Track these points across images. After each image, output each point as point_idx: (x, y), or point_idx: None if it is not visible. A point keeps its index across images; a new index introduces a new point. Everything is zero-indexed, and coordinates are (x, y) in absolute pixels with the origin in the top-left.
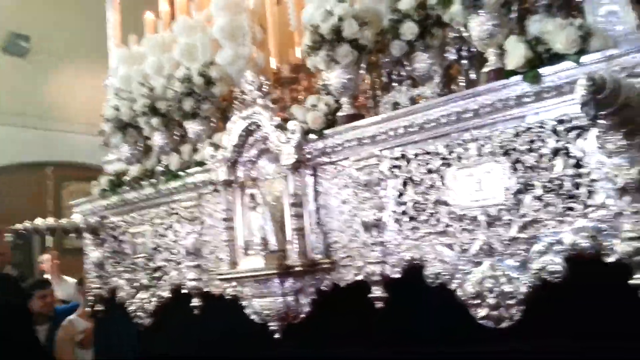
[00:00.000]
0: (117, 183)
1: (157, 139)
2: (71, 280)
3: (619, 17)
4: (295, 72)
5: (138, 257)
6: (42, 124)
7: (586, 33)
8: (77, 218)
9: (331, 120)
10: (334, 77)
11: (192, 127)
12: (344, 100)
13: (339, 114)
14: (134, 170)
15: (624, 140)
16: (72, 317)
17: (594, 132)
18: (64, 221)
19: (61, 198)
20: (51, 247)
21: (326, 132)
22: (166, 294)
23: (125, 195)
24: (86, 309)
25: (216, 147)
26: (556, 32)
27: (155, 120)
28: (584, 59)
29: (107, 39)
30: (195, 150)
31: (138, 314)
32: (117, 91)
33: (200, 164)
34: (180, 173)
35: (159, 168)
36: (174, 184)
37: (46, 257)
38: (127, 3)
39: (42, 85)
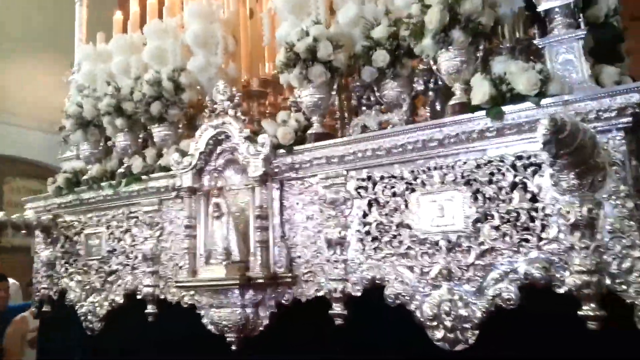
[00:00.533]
0: (75, 182)
1: (121, 140)
2: (12, 280)
3: (574, 66)
4: (264, 86)
5: (92, 260)
6: None
7: (545, 77)
8: (29, 214)
9: (301, 137)
10: (306, 96)
11: (159, 132)
12: (315, 118)
13: (309, 131)
14: (94, 169)
15: (576, 180)
16: (25, 313)
17: (549, 170)
18: (14, 217)
19: (3, 193)
20: None
21: (296, 148)
22: (119, 299)
23: (82, 195)
24: (32, 309)
25: (182, 153)
26: (519, 73)
27: (119, 121)
28: (543, 101)
29: (75, 35)
30: (159, 155)
31: (88, 317)
32: (80, 87)
33: (165, 169)
34: (143, 177)
35: (120, 170)
36: (135, 187)
37: None
38: (96, 1)
39: None
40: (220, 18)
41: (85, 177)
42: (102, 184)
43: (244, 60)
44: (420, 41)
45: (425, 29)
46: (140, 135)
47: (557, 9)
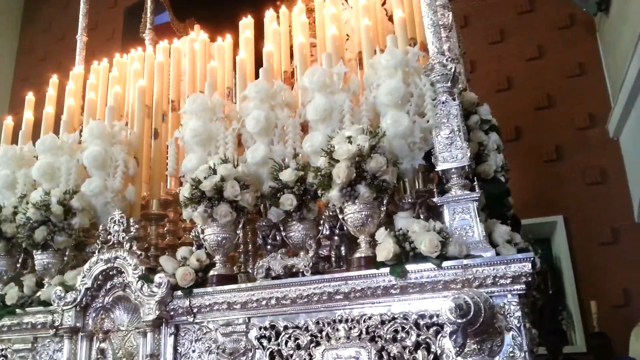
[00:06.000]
0: None
1: None
2: None
3: (470, 225)
4: (165, 207)
5: None
6: None
7: (445, 238)
8: None
9: (201, 278)
10: (210, 234)
11: (41, 259)
12: (218, 258)
13: (211, 272)
14: None
15: (476, 345)
16: None
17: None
18: None
19: None
20: None
21: (195, 290)
22: None
23: None
24: None
25: (66, 287)
26: (421, 233)
27: None
28: (444, 263)
29: None
30: (39, 284)
31: None
32: None
33: (44, 303)
34: (17, 310)
35: None
36: (7, 321)
37: None
38: None
39: None
40: (122, 140)
41: None
42: None
43: (144, 180)
44: (328, 192)
45: (332, 181)
46: (19, 260)
47: (453, 170)
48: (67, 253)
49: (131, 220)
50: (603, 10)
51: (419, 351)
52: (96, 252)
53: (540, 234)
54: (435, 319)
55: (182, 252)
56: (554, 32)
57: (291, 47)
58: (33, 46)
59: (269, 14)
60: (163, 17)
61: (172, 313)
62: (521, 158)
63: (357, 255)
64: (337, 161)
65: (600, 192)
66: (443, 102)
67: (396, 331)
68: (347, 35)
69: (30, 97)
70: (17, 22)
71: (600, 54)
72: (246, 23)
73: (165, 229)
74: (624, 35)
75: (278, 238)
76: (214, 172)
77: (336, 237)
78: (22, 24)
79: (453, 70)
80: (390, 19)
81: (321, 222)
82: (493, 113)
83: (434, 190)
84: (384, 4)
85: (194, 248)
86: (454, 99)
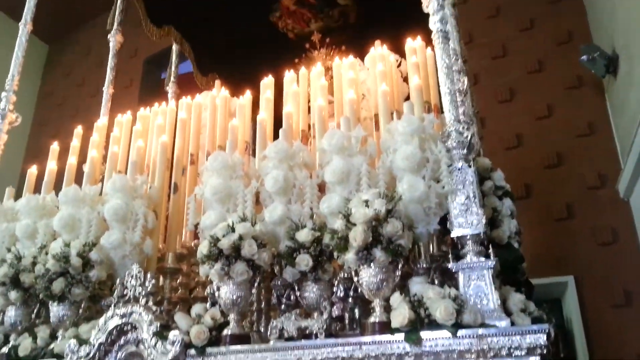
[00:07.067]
0: None
1: (10, 315)
2: None
3: (485, 293)
4: (180, 260)
5: None
6: None
7: (460, 305)
8: None
9: (215, 337)
10: (225, 292)
11: (56, 311)
12: (232, 316)
13: (225, 331)
14: None
15: None
16: None
17: None
18: None
19: None
20: None
21: (209, 349)
22: None
23: None
24: None
25: (80, 341)
26: (436, 300)
27: (14, 294)
28: (459, 332)
29: None
30: (53, 336)
31: None
32: None
33: (57, 356)
34: None
35: (4, 350)
36: None
37: None
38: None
39: None
40: (143, 194)
41: None
42: None
43: (161, 232)
44: (344, 254)
45: (349, 244)
46: (34, 310)
47: (468, 237)
48: (82, 305)
49: (148, 275)
50: (611, 72)
51: None
52: (112, 306)
53: (551, 295)
54: None
55: (197, 309)
56: (562, 92)
57: (309, 103)
58: (53, 90)
59: (289, 75)
60: (185, 66)
61: None
62: (531, 216)
63: (372, 319)
64: (354, 224)
65: (612, 253)
66: (459, 169)
67: None
68: (363, 94)
69: (54, 147)
70: (41, 65)
71: (609, 114)
72: (267, 83)
73: (179, 281)
74: (632, 97)
75: (292, 298)
76: (233, 230)
77: (350, 299)
78: (44, 68)
79: (469, 137)
80: (405, 79)
81: (335, 282)
82: (503, 170)
83: (449, 255)
84: (399, 65)
85: (208, 305)
86: (469, 166)
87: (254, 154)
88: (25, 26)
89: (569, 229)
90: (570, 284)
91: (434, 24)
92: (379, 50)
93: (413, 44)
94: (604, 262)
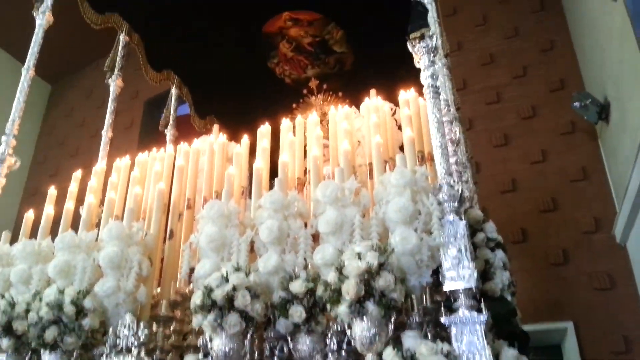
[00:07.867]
0: None
1: None
2: None
3: (477, 348)
4: (173, 308)
5: None
6: None
7: None
8: None
9: None
10: (218, 345)
11: (49, 359)
12: None
13: None
14: None
15: None
16: None
17: None
18: None
19: None
20: None
21: None
22: None
23: None
24: None
25: None
26: (428, 356)
27: (6, 341)
28: None
29: None
30: None
31: None
32: None
33: None
34: None
35: None
36: None
37: None
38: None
39: None
40: (138, 241)
41: None
42: None
43: (156, 277)
44: (337, 307)
45: (341, 297)
46: (26, 358)
47: (460, 291)
48: (74, 354)
49: (141, 325)
50: (603, 119)
51: None
52: (104, 356)
53: (551, 340)
54: None
55: None
56: (556, 137)
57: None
58: (53, 130)
59: (286, 123)
60: (184, 108)
61: None
62: (528, 260)
63: None
64: (347, 277)
65: (610, 298)
66: (450, 222)
67: None
68: (359, 141)
69: (52, 191)
70: (43, 105)
71: (603, 159)
72: (263, 132)
73: (172, 328)
74: (625, 143)
75: (285, 350)
76: (227, 280)
77: (344, 353)
78: (46, 107)
79: (460, 191)
80: (400, 127)
81: (329, 335)
82: (499, 214)
83: (442, 307)
84: (393, 114)
85: (200, 355)
86: (460, 219)
87: (250, 196)
88: (27, 71)
89: (565, 274)
90: (569, 330)
91: (425, 79)
92: (373, 101)
93: (406, 95)
94: (602, 308)
